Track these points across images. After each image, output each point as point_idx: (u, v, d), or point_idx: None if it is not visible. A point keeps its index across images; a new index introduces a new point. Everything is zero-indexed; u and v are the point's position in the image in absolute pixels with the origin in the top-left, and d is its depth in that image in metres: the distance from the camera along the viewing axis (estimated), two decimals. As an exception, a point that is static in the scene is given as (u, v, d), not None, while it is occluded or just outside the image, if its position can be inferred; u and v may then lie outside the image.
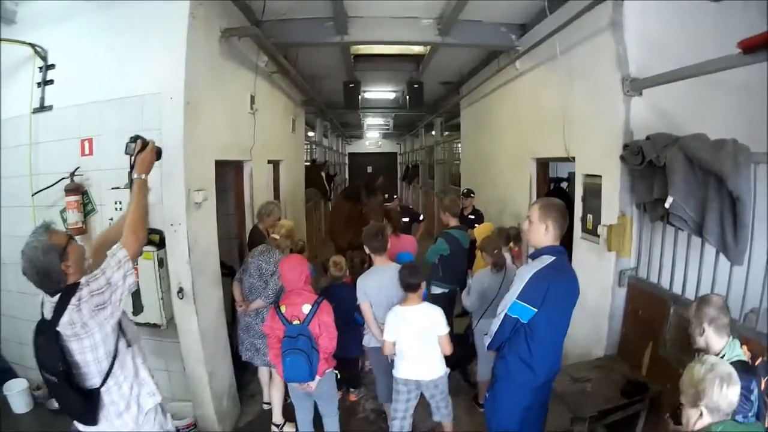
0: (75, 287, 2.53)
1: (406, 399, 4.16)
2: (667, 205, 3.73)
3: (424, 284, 4.11)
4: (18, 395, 4.94)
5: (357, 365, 5.66)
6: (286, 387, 4.64)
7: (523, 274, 3.11)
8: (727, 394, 2.15)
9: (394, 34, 6.86)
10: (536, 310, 3.05)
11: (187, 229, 4.18)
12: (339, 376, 4.30)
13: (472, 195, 7.88)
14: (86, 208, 4.51)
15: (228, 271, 5.74)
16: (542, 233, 3.16)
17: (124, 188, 4.09)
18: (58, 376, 2.52)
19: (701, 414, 2.19)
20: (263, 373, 5.15)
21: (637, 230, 4.54)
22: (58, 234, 2.61)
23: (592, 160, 5.06)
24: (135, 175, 2.91)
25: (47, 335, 2.52)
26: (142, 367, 2.90)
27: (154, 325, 4.35)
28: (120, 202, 4.28)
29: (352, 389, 5.58)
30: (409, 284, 3.99)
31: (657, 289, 4.26)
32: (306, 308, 3.93)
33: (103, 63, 4.40)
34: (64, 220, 4.45)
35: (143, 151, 2.98)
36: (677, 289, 4.06)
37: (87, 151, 4.49)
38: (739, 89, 4.20)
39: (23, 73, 4.68)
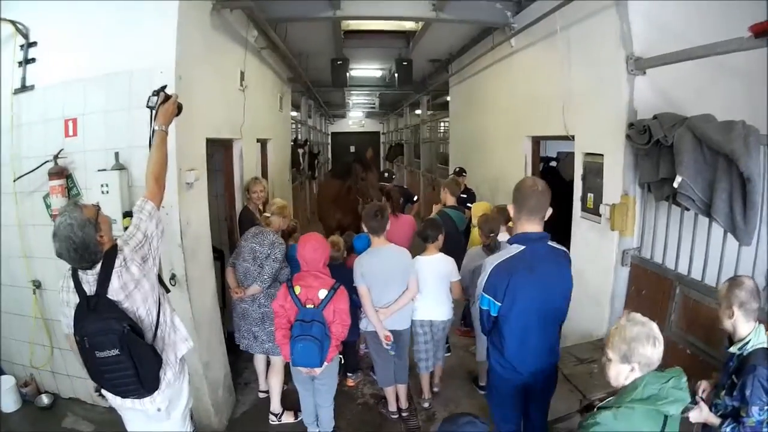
0: (113, 253, 2.63)
1: (425, 341, 4.72)
2: (675, 185, 3.66)
3: (441, 237, 4.71)
4: (6, 393, 4.76)
5: (354, 350, 5.56)
6: (284, 374, 4.57)
7: (486, 264, 3.00)
8: (655, 351, 2.26)
9: (389, 10, 6.75)
10: (500, 303, 2.93)
11: (179, 211, 4.01)
12: (343, 361, 4.20)
13: (464, 174, 7.85)
14: (71, 192, 4.32)
15: (218, 255, 5.60)
16: (512, 215, 3.03)
17: (111, 170, 3.99)
18: (123, 340, 2.53)
19: (632, 369, 2.29)
20: (259, 360, 5.03)
21: (641, 209, 4.47)
22: (88, 207, 2.65)
23: (592, 138, 4.98)
24: (156, 127, 3.00)
25: (98, 310, 2.56)
26: (174, 313, 3.02)
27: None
28: (106, 185, 4.00)
29: (349, 374, 5.48)
30: (427, 235, 4.63)
31: (661, 269, 4.19)
32: (322, 293, 3.81)
33: (89, 38, 4.17)
34: (48, 206, 4.29)
35: (165, 103, 3.05)
36: (683, 270, 3.99)
37: (71, 132, 4.26)
38: (741, 74, 4.14)
39: (4, 52, 4.44)
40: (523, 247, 2.93)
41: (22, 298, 4.61)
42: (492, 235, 4.70)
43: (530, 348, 3.04)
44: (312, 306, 3.77)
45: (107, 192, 4.04)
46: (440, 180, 10.16)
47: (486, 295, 2.95)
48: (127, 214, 3.82)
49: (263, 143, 7.93)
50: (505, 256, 2.93)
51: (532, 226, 2.96)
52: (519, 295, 2.90)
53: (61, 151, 4.24)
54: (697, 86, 4.18)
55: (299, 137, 13.84)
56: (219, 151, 5.98)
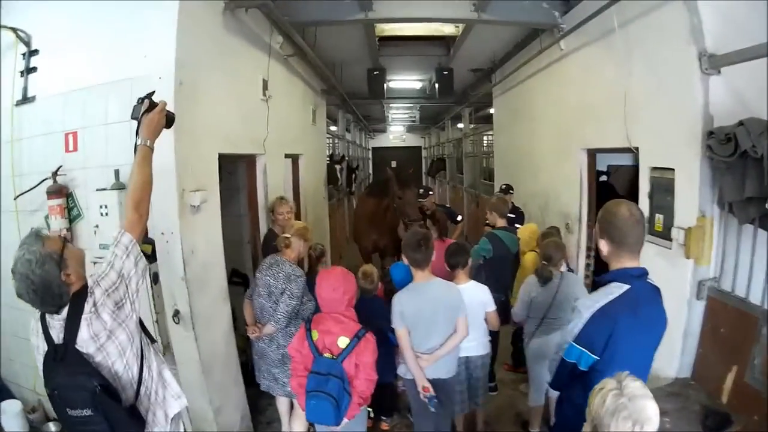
0: (83, 294, 2.28)
1: (458, 380, 4.18)
2: None
3: (471, 261, 4.37)
4: (12, 418, 4.47)
5: (391, 391, 4.99)
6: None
7: (582, 309, 2.44)
8: None
9: (425, 11, 6.36)
10: (597, 357, 2.37)
11: (181, 238, 3.63)
12: (372, 414, 3.64)
13: (511, 191, 7.30)
14: (71, 212, 4.02)
15: (242, 280, 5.44)
16: (605, 251, 2.51)
17: (111, 189, 3.68)
18: (96, 400, 2.17)
19: None
20: (282, 402, 4.57)
21: (720, 234, 3.99)
22: (51, 239, 2.30)
23: (660, 150, 4.51)
24: (139, 141, 2.55)
25: (66, 362, 2.22)
26: (163, 366, 2.66)
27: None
28: (106, 206, 3.74)
29: (383, 417, 4.96)
30: (457, 262, 4.23)
31: (745, 305, 3.73)
32: (343, 342, 3.26)
33: (90, 43, 3.91)
34: (48, 228, 3.96)
35: (150, 112, 2.60)
36: None
37: (71, 147, 4.00)
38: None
39: (5, 61, 4.23)
40: (627, 287, 2.40)
41: (26, 321, 4.29)
42: (545, 263, 4.31)
43: None
44: (330, 356, 3.23)
45: (106, 214, 3.75)
46: (485, 197, 9.74)
47: (578, 347, 2.41)
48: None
49: (294, 159, 7.56)
50: (606, 298, 2.40)
51: (633, 262, 2.47)
52: (622, 347, 2.36)
53: (60, 167, 3.94)
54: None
55: (336, 152, 13.68)
56: (242, 167, 5.65)
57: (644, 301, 2.44)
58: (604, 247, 2.49)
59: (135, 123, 2.60)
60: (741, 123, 3.46)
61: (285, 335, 4.12)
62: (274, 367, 4.23)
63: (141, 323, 2.54)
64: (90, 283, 2.32)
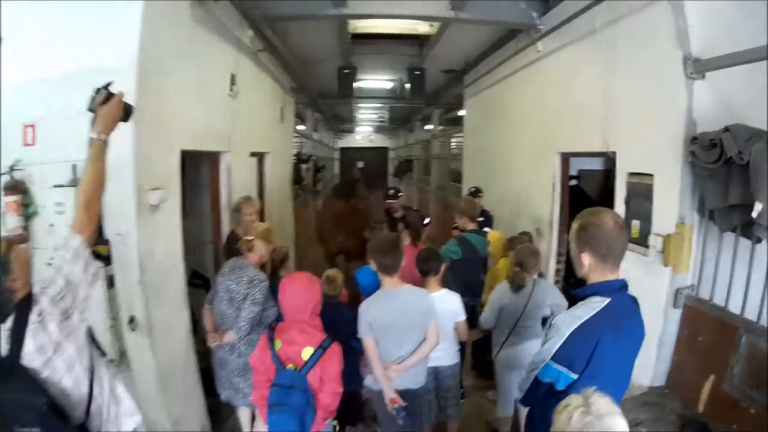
0: (28, 301, 2.07)
1: (426, 390, 4.00)
2: (754, 214, 3.21)
3: (443, 267, 4.18)
4: None
5: (356, 399, 4.74)
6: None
7: (560, 325, 2.26)
8: None
9: (401, 8, 6.24)
10: (576, 376, 2.20)
11: (138, 239, 3.43)
12: (338, 427, 3.43)
13: (480, 194, 7.15)
14: (28, 209, 3.81)
15: (203, 283, 5.20)
16: (587, 265, 2.32)
17: (69, 186, 3.53)
18: (43, 419, 2.01)
19: None
20: (244, 413, 4.37)
21: (699, 241, 3.99)
22: None
23: (639, 155, 4.48)
24: (93, 134, 2.37)
25: (11, 378, 2.02)
26: (116, 381, 2.48)
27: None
28: (62, 204, 3.61)
29: (349, 427, 4.73)
30: (429, 268, 4.06)
31: (724, 314, 3.72)
32: (307, 353, 3.04)
33: (53, 33, 3.68)
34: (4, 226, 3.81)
35: (107, 104, 2.42)
36: (751, 315, 3.51)
37: (30, 140, 3.79)
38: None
39: None
40: (608, 300, 2.23)
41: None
42: (518, 270, 4.21)
43: None
44: (293, 367, 3.02)
45: (63, 212, 3.61)
46: (453, 199, 9.64)
47: (557, 366, 2.23)
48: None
49: (260, 157, 7.39)
50: (586, 314, 2.23)
51: (615, 274, 2.32)
52: (604, 365, 2.21)
53: (17, 162, 3.76)
54: (758, 93, 3.62)
55: (303, 152, 13.52)
56: (205, 164, 5.45)
57: (625, 314, 2.31)
58: (586, 260, 2.30)
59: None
60: (727, 129, 3.43)
61: (247, 343, 3.94)
62: (235, 377, 4.03)
63: (91, 334, 2.36)
64: (36, 290, 2.12)
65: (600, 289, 2.26)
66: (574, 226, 2.34)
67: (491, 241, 5.38)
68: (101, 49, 3.45)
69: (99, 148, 2.36)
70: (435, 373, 4.08)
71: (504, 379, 4.37)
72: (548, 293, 4.28)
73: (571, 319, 2.24)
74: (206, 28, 4.61)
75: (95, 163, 2.33)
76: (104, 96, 2.42)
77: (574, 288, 2.44)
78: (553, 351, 2.23)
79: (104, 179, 2.37)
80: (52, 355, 2.09)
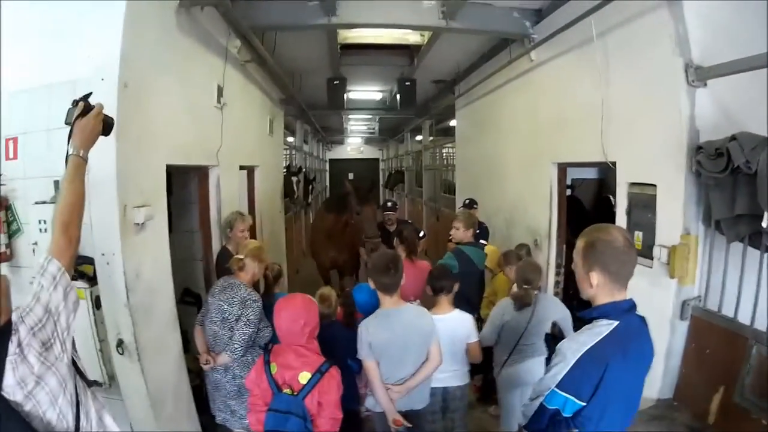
0: (7, 331, 1.89)
1: (432, 411, 3.90)
2: (764, 224, 3.19)
3: (456, 285, 3.98)
4: None
5: (354, 418, 4.60)
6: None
7: (566, 352, 2.14)
8: None
9: (392, 17, 6.14)
10: (584, 403, 2.09)
11: (124, 260, 3.29)
12: None
13: (474, 206, 7.12)
14: (11, 226, 3.68)
15: (195, 300, 5.20)
16: (595, 285, 2.17)
17: (50, 203, 3.35)
18: None
19: None
20: None
21: (705, 252, 3.93)
22: None
23: (641, 165, 4.41)
24: (71, 150, 2.19)
25: None
26: (104, 412, 2.30)
27: (95, 383, 3.39)
28: (45, 221, 3.48)
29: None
30: (441, 287, 3.90)
31: (733, 324, 3.67)
32: (304, 377, 2.93)
33: (34, 42, 3.54)
34: None
35: (84, 117, 2.25)
36: (760, 325, 3.48)
37: (12, 155, 3.64)
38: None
39: None
40: (616, 323, 2.10)
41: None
42: (527, 288, 4.06)
43: None
44: (290, 392, 2.90)
45: (45, 230, 3.49)
46: (446, 211, 9.53)
47: (563, 393, 2.11)
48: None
49: (250, 171, 7.28)
50: (593, 339, 2.11)
51: (623, 294, 2.18)
52: (613, 391, 2.09)
53: None
54: (756, 99, 3.66)
55: (293, 164, 13.46)
56: (194, 179, 5.32)
57: (633, 337, 2.19)
58: (595, 279, 2.16)
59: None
60: (734, 137, 3.38)
61: (241, 365, 3.81)
62: (230, 399, 3.90)
63: (75, 364, 2.19)
64: (14, 317, 1.95)
65: (607, 311, 2.15)
66: (580, 243, 2.22)
67: (488, 254, 5.28)
68: (82, 59, 3.31)
69: (77, 166, 2.20)
70: (443, 393, 3.97)
71: (506, 396, 4.28)
72: (552, 308, 4.18)
73: (576, 345, 2.13)
74: (192, 37, 4.49)
75: (73, 181, 2.18)
76: (82, 109, 2.25)
77: (573, 300, 2.34)
78: (559, 378, 2.12)
79: (83, 199, 2.22)
80: (34, 387, 1.93)
